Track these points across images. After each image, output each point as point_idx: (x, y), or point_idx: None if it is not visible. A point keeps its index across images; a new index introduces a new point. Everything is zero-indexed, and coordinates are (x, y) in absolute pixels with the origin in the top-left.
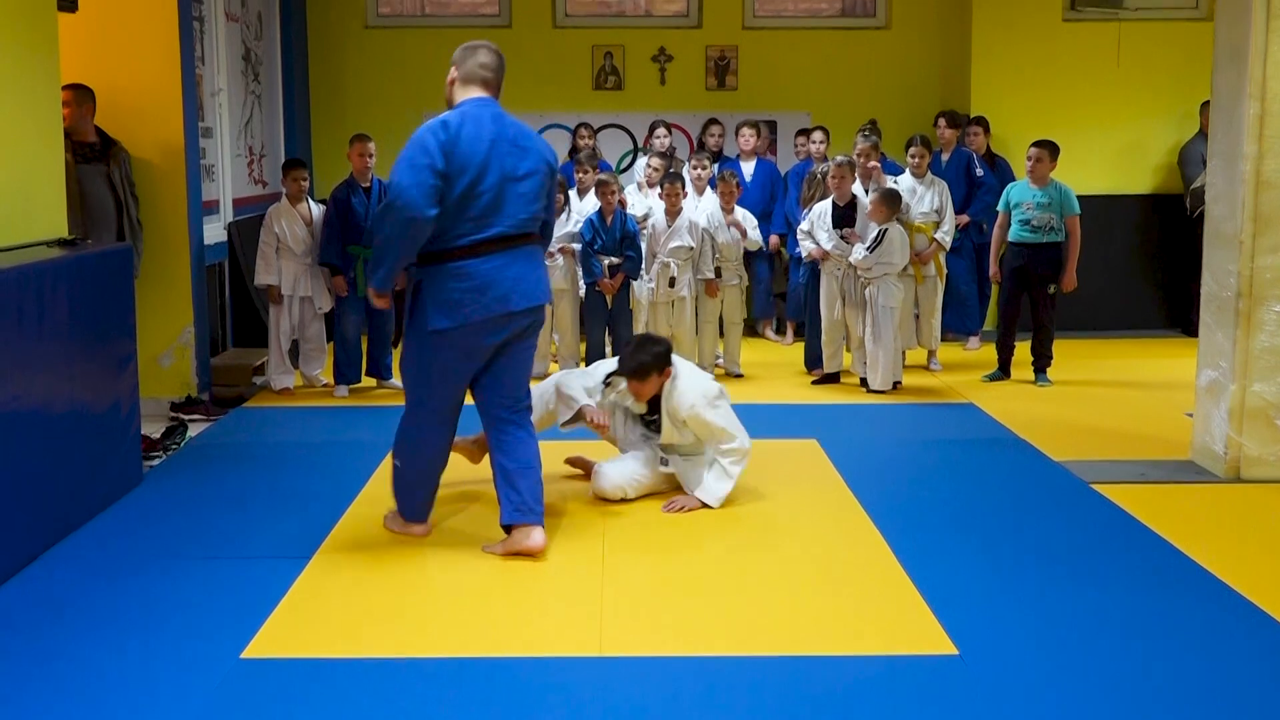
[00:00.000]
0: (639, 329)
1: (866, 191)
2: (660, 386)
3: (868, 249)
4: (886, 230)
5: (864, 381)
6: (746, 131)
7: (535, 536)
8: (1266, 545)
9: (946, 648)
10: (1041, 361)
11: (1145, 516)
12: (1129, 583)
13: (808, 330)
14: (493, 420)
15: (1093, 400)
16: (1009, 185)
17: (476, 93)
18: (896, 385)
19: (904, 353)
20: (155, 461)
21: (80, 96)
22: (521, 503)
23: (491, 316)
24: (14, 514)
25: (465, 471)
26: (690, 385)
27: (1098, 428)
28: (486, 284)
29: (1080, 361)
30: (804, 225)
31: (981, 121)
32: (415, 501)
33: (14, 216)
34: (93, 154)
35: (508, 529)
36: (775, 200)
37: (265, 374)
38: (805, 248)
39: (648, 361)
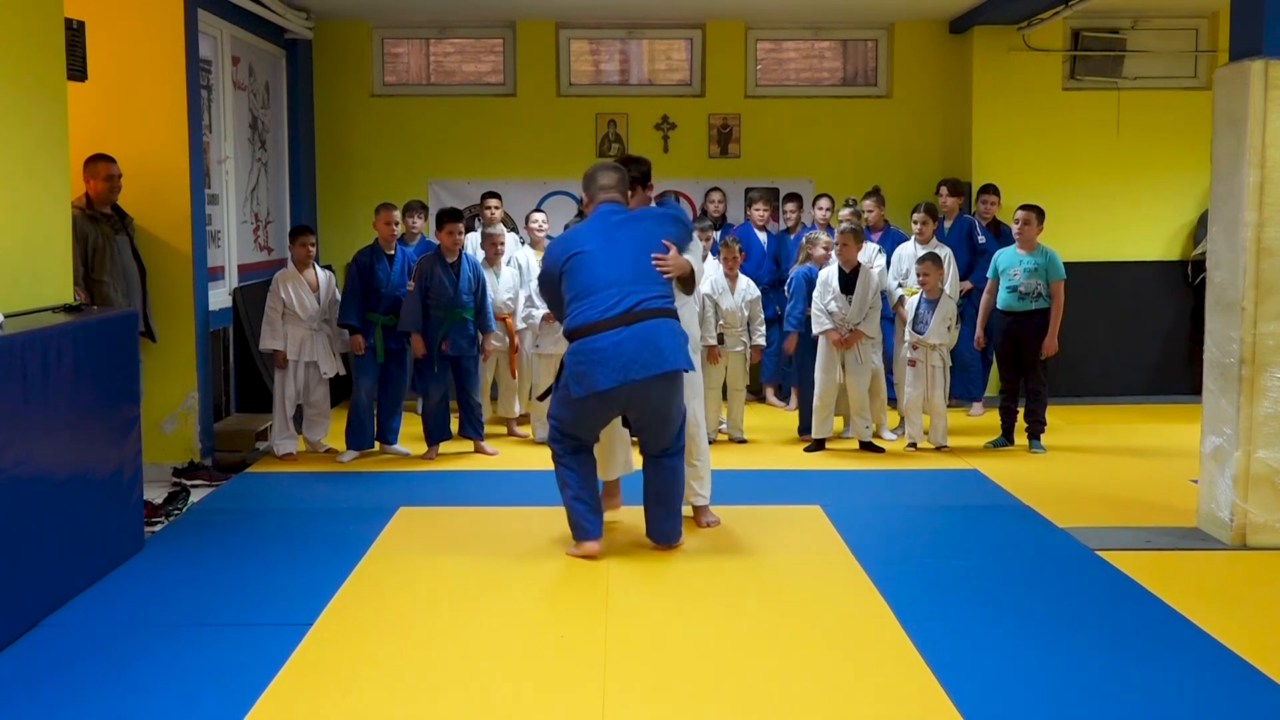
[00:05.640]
0: None
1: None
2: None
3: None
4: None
5: (914, 445)
6: (761, 206)
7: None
8: (1274, 612)
9: (954, 719)
10: (1035, 428)
11: (1151, 584)
12: (1136, 651)
13: (801, 395)
14: None
15: (1097, 466)
16: (997, 252)
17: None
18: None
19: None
20: (157, 527)
21: (117, 170)
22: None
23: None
24: (15, 579)
25: (472, 540)
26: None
27: (1102, 494)
28: None
29: (1083, 427)
30: (816, 298)
31: (994, 189)
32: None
33: (21, 282)
34: (119, 225)
35: None
36: (784, 268)
37: (268, 439)
38: (821, 324)
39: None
